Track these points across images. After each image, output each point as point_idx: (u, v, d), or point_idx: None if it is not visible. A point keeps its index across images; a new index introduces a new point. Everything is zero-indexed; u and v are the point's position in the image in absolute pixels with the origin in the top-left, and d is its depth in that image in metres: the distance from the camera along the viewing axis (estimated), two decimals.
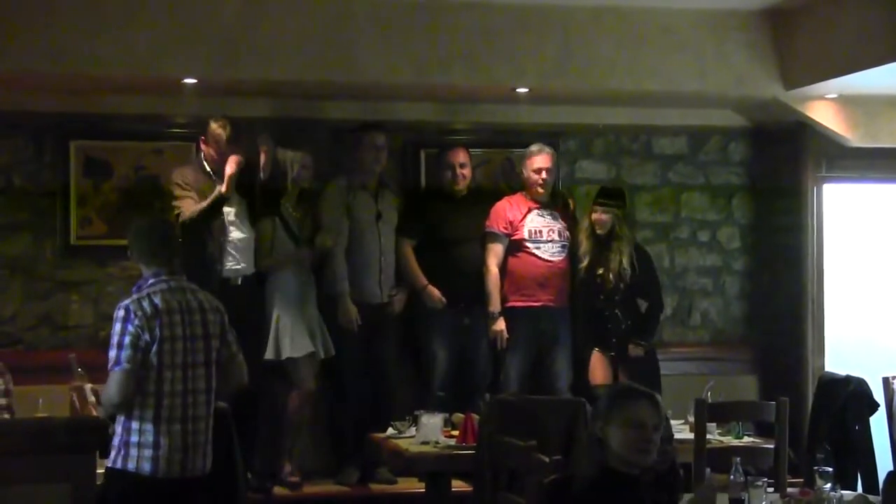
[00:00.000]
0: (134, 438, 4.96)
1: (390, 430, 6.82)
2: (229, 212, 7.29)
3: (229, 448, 5.52)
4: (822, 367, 8.18)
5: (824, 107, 8.04)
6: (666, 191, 8.65)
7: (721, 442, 6.58)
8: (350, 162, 7.78)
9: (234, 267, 7.31)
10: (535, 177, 7.81)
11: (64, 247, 7.81)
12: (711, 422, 6.44)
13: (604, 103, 8.33)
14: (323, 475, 7.67)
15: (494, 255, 7.81)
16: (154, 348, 4.94)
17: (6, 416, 6.06)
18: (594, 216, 7.63)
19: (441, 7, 7.37)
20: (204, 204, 7.12)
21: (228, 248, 7.31)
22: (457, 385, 7.80)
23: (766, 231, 8.65)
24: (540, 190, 7.84)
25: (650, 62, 7.64)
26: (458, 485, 6.72)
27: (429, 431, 6.47)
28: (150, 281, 5.07)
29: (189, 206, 7.13)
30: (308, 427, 7.64)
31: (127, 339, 4.92)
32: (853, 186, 8.49)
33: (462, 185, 7.90)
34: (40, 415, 5.93)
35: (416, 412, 6.72)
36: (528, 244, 7.81)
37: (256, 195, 7.43)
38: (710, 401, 6.44)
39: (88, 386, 5.76)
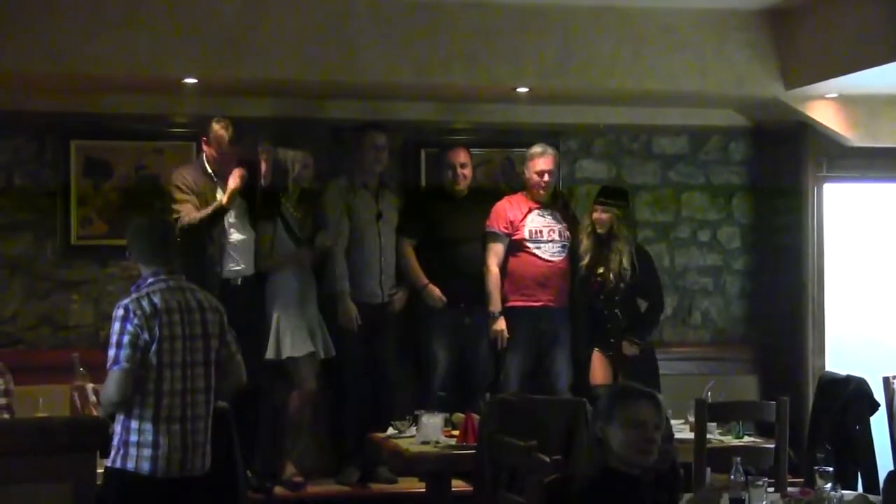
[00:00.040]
0: (133, 438, 4.96)
1: (390, 430, 6.82)
2: (229, 213, 7.29)
3: (230, 448, 5.52)
4: (823, 366, 8.18)
5: (825, 106, 8.04)
6: (666, 190, 8.65)
7: (721, 442, 6.58)
8: (351, 162, 7.78)
9: (234, 268, 7.32)
10: (537, 179, 7.82)
11: (64, 246, 7.81)
12: (712, 421, 6.45)
13: (604, 103, 8.33)
14: (323, 475, 7.67)
15: (495, 254, 7.81)
16: (153, 347, 4.94)
17: (6, 415, 6.06)
18: (594, 215, 7.63)
19: (441, 7, 7.37)
20: (204, 213, 7.14)
21: (228, 250, 7.31)
22: (457, 385, 7.80)
23: (766, 231, 8.65)
24: (541, 192, 7.84)
25: (650, 62, 7.64)
26: (458, 484, 6.71)
27: (429, 431, 6.47)
28: (150, 280, 5.07)
29: (188, 211, 7.14)
30: (308, 427, 7.63)
31: (126, 339, 4.91)
32: (853, 186, 8.49)
33: (463, 185, 7.90)
34: (40, 414, 5.93)
35: (417, 412, 6.72)
36: (528, 244, 7.81)
37: (257, 197, 7.43)
38: (710, 400, 6.45)
39: (90, 386, 5.77)
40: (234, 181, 7.17)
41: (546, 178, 7.82)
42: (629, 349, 7.56)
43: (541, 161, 7.82)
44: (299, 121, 8.01)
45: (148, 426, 4.95)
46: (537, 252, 7.82)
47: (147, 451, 4.95)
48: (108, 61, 7.03)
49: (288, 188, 7.48)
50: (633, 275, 7.56)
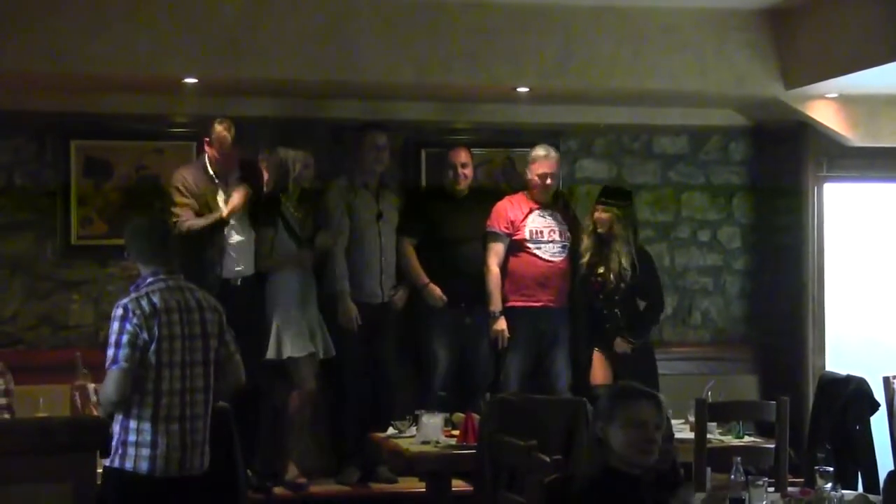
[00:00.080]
0: (131, 438, 4.96)
1: (391, 430, 6.82)
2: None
3: (230, 448, 5.52)
4: (823, 366, 8.18)
5: (825, 106, 8.04)
6: (666, 190, 8.65)
7: (721, 441, 6.57)
8: (351, 162, 7.79)
9: (234, 269, 7.31)
10: (539, 182, 7.82)
11: (64, 246, 7.81)
12: (712, 421, 6.45)
13: (604, 103, 8.33)
14: (323, 475, 7.66)
15: (495, 254, 7.81)
16: (152, 347, 4.93)
17: (7, 415, 6.06)
18: (595, 215, 7.63)
19: (442, 7, 7.37)
20: (203, 222, 7.15)
21: (228, 251, 7.31)
22: (457, 385, 7.80)
23: (766, 230, 8.65)
24: (543, 194, 7.85)
25: (651, 61, 7.64)
26: (458, 484, 6.71)
27: (429, 431, 6.47)
28: (149, 280, 5.06)
29: (187, 216, 7.15)
30: (308, 427, 7.63)
31: (125, 338, 4.91)
32: (854, 186, 8.49)
33: (463, 185, 7.90)
34: (41, 414, 5.93)
35: (417, 412, 6.72)
36: (528, 244, 7.81)
37: (259, 202, 7.42)
38: (710, 400, 6.44)
39: (92, 385, 5.77)
40: (237, 198, 7.19)
41: (548, 181, 7.83)
42: (621, 346, 7.55)
43: (544, 164, 7.82)
44: (300, 121, 8.01)
45: (146, 426, 4.95)
46: (538, 252, 7.82)
47: (145, 451, 4.95)
48: (108, 61, 7.03)
49: (288, 188, 7.48)
50: (634, 275, 7.56)
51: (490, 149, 8.35)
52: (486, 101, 8.24)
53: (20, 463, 4.74)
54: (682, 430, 6.51)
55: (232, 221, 7.29)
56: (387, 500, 7.56)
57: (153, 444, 4.95)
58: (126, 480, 4.97)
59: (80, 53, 6.99)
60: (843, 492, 5.13)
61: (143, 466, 4.95)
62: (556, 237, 7.85)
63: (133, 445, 4.95)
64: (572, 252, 7.82)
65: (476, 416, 6.43)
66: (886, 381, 7.24)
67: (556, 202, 7.96)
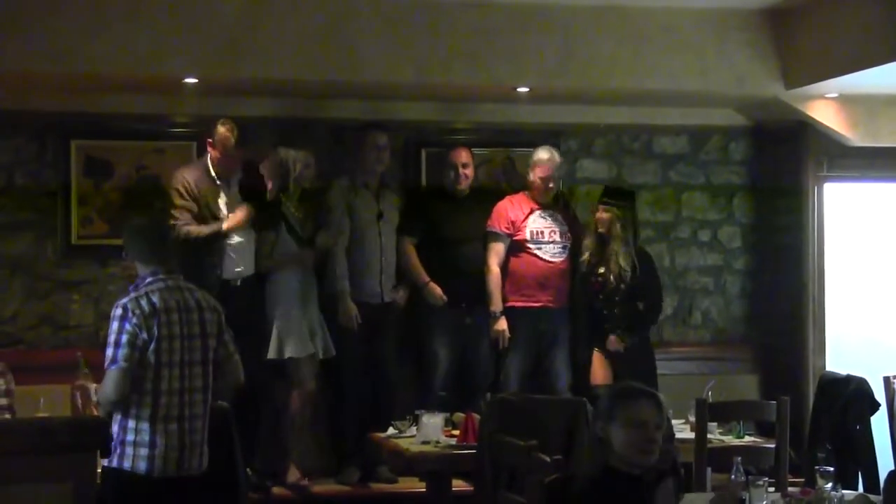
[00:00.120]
0: (130, 437, 4.96)
1: (391, 430, 6.82)
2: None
3: (230, 448, 5.52)
4: (823, 366, 8.18)
5: (825, 106, 8.04)
6: (667, 190, 8.65)
7: (722, 441, 6.57)
8: (352, 161, 7.79)
9: (234, 269, 7.31)
10: (541, 184, 7.82)
11: (65, 246, 7.82)
12: (712, 421, 6.44)
13: (605, 102, 8.33)
14: (324, 475, 7.66)
15: (496, 254, 7.81)
16: (152, 347, 4.94)
17: (7, 415, 6.06)
18: (596, 214, 7.64)
19: (441, 7, 7.37)
20: (203, 231, 7.16)
21: (229, 251, 7.30)
22: (458, 385, 7.80)
23: (766, 230, 8.65)
24: (544, 195, 7.85)
25: (651, 61, 7.64)
26: (458, 484, 6.71)
27: (429, 431, 6.46)
28: (148, 280, 5.07)
29: (186, 219, 7.15)
30: (308, 427, 7.63)
31: (124, 338, 4.92)
32: (854, 186, 8.49)
33: (464, 185, 7.90)
34: (41, 414, 5.94)
35: (417, 412, 6.71)
36: (529, 245, 7.81)
37: (259, 201, 7.42)
38: (710, 400, 6.44)
39: (92, 386, 5.77)
40: (239, 215, 7.20)
41: (550, 184, 7.84)
42: (614, 344, 7.54)
43: (546, 167, 7.82)
44: (300, 121, 8.02)
45: (145, 425, 4.96)
46: (538, 253, 7.82)
47: (144, 451, 4.96)
48: (108, 61, 7.03)
49: (289, 188, 7.48)
50: (634, 276, 7.55)
51: (490, 149, 8.35)
52: (487, 101, 8.24)
53: (20, 463, 4.74)
54: (683, 430, 6.51)
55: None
56: (387, 500, 7.56)
57: (151, 444, 4.95)
58: (124, 480, 4.97)
59: (80, 53, 6.99)
60: (844, 492, 5.13)
61: (142, 466, 4.96)
62: (557, 238, 7.85)
63: (132, 445, 4.96)
64: (572, 252, 7.82)
65: (476, 416, 6.42)
66: (887, 381, 7.24)
67: (557, 203, 7.96)
